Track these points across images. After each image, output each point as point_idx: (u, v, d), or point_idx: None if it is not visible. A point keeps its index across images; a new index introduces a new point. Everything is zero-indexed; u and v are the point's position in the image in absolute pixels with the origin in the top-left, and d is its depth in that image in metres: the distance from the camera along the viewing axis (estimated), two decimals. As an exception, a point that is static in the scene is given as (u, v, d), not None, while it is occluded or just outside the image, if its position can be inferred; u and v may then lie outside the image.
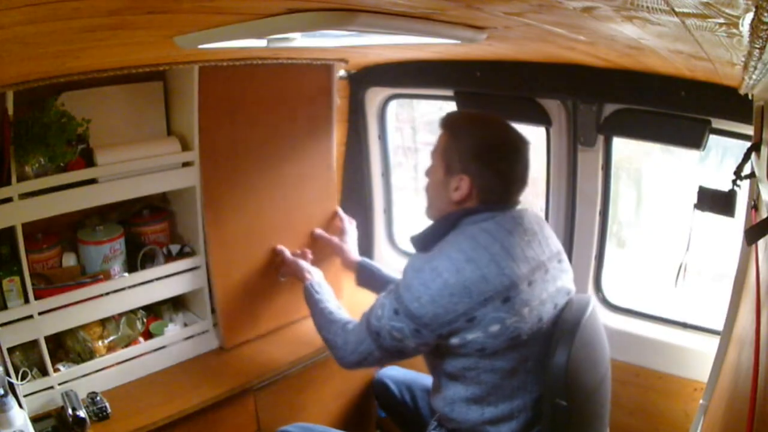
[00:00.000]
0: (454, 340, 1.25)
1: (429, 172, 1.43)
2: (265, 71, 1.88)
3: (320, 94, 2.06)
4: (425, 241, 1.36)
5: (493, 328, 1.23)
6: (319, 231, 2.11)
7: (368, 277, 1.92)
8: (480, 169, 1.32)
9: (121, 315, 1.80)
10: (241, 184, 1.90)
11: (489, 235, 1.28)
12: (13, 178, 1.48)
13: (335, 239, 2.07)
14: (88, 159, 1.65)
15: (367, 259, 1.98)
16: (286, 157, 1.99)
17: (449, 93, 2.25)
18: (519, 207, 1.40)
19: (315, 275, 1.80)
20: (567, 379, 1.25)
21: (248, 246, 1.94)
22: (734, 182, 1.31)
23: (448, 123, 1.40)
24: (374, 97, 2.50)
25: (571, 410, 1.25)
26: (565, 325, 1.31)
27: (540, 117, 2.01)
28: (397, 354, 1.36)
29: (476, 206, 1.34)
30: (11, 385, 1.49)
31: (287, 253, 1.96)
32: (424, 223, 1.44)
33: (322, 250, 2.08)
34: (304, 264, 1.87)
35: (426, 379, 1.74)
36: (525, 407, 1.33)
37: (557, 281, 1.37)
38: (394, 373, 1.93)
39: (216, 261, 1.88)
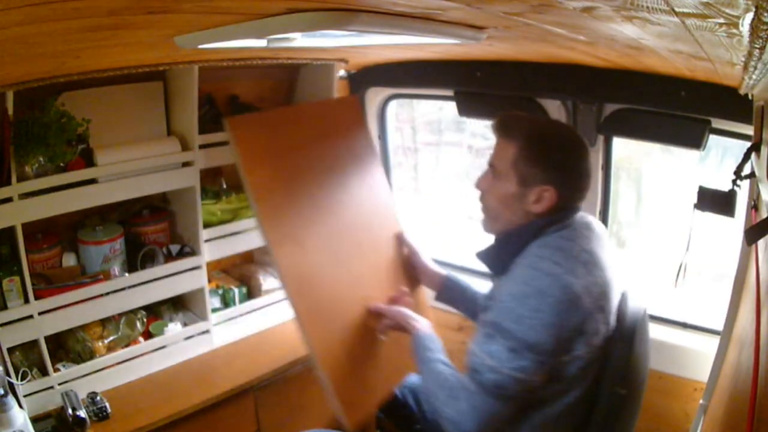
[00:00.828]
0: (565, 358, 1.17)
1: (491, 184, 1.30)
2: (295, 114, 1.74)
3: (353, 123, 1.87)
4: (503, 258, 1.27)
5: (594, 339, 1.19)
6: (405, 239, 1.79)
7: (456, 294, 1.71)
8: (565, 177, 1.24)
9: (121, 315, 1.80)
10: (311, 247, 1.56)
11: (574, 243, 1.22)
12: (13, 178, 1.48)
13: (419, 252, 1.77)
14: (88, 159, 1.65)
15: (453, 274, 1.76)
16: (344, 199, 1.72)
17: (449, 93, 2.25)
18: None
19: (422, 325, 1.48)
20: (628, 369, 1.25)
21: (340, 310, 1.61)
22: (734, 182, 1.30)
23: (514, 130, 1.27)
24: (374, 97, 2.50)
25: (626, 398, 1.26)
26: (628, 319, 1.28)
27: (540, 117, 2.01)
28: (524, 401, 1.20)
29: (557, 215, 1.26)
30: (11, 385, 1.49)
31: (382, 305, 1.61)
32: (480, 236, 1.32)
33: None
34: (407, 312, 1.54)
35: None
36: None
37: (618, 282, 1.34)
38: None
39: (315, 340, 1.51)
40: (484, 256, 1.33)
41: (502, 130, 1.29)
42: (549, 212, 1.26)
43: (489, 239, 1.36)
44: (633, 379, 1.29)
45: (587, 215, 1.35)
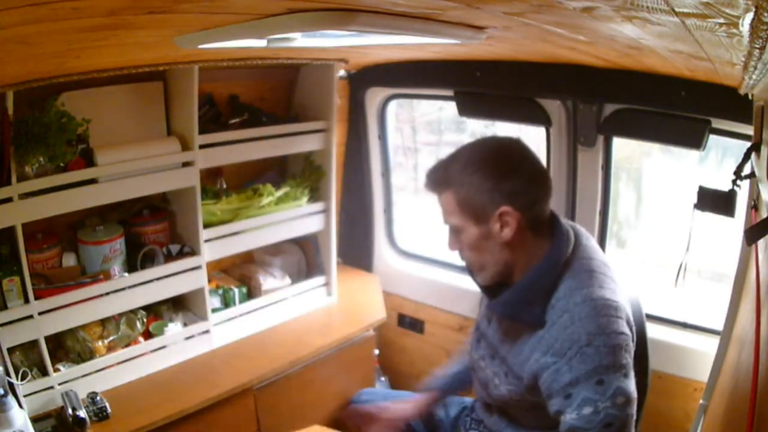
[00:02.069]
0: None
1: (456, 240, 1.25)
2: None
3: None
4: (539, 304, 1.17)
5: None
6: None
7: (450, 387, 1.60)
8: (508, 188, 1.15)
9: (121, 315, 1.80)
10: None
11: (599, 262, 1.21)
12: (13, 178, 1.48)
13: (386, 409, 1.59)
14: (88, 159, 1.65)
15: (432, 383, 1.61)
16: None
17: (449, 93, 2.25)
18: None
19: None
20: (638, 372, 1.22)
21: None
22: (734, 182, 1.30)
23: (437, 182, 1.23)
24: (374, 97, 2.50)
25: (641, 401, 1.25)
26: (638, 325, 1.26)
27: (540, 117, 2.01)
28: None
29: (539, 230, 1.21)
30: (11, 385, 1.49)
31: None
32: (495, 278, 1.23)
33: None
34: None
35: (408, 397, 1.62)
36: None
37: None
38: (371, 397, 1.75)
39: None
40: (523, 311, 1.19)
41: (430, 187, 1.25)
42: (526, 232, 1.18)
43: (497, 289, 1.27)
44: (639, 380, 1.29)
45: (572, 224, 1.30)
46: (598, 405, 1.07)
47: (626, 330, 1.14)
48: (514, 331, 1.24)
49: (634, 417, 1.12)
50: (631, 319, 1.19)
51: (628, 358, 1.12)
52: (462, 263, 1.33)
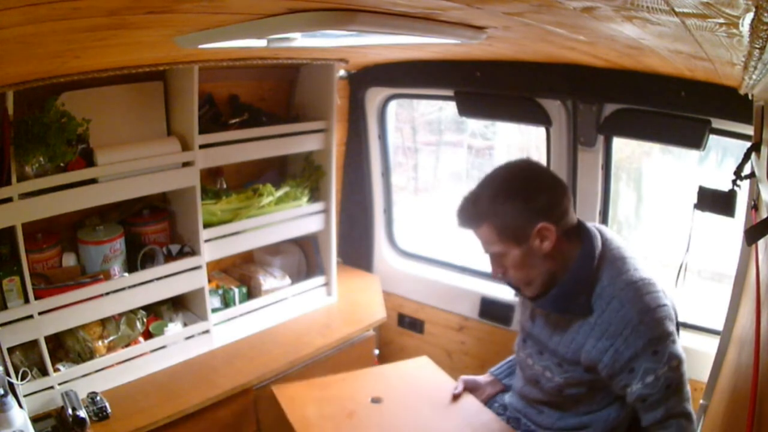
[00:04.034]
0: None
1: (500, 266, 1.36)
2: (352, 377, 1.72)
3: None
4: (585, 294, 1.32)
5: None
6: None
7: (508, 374, 1.73)
8: (538, 205, 1.29)
9: (121, 315, 1.80)
10: None
11: (625, 248, 1.37)
12: (13, 178, 1.48)
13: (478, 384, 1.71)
14: (88, 159, 1.65)
15: (493, 370, 1.75)
16: None
17: (449, 93, 2.25)
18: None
19: None
20: None
21: None
22: (734, 182, 1.30)
23: (471, 219, 1.35)
24: (374, 97, 2.50)
25: None
26: None
27: (540, 117, 2.01)
28: None
29: (575, 235, 1.35)
30: (11, 385, 1.49)
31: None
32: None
33: None
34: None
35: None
36: None
37: None
38: None
39: None
40: (571, 305, 1.33)
41: (465, 224, 1.36)
42: (561, 239, 1.31)
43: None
44: None
45: (592, 223, 1.42)
46: (658, 372, 1.24)
47: (666, 301, 1.30)
48: (563, 323, 1.37)
49: (687, 374, 1.29)
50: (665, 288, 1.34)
51: (672, 326, 1.29)
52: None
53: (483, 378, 1.71)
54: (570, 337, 1.35)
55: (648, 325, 1.25)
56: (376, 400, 1.60)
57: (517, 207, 1.28)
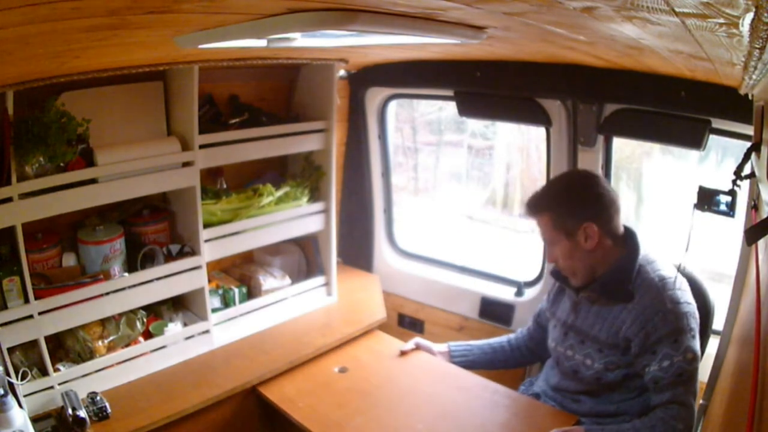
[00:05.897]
0: None
1: (552, 251, 1.62)
2: None
3: None
4: (628, 283, 1.55)
5: None
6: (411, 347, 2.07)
7: (465, 355, 1.97)
8: (589, 209, 1.55)
9: (121, 315, 1.80)
10: None
11: (655, 251, 1.61)
12: (13, 178, 1.48)
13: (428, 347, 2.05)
14: (88, 159, 1.65)
15: (453, 344, 2.01)
16: None
17: (449, 93, 2.25)
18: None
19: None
20: None
21: None
22: (734, 182, 1.30)
23: (536, 207, 1.62)
24: (374, 97, 2.50)
25: None
26: None
27: (540, 117, 2.01)
28: None
29: (617, 240, 1.58)
30: (11, 385, 1.49)
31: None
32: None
33: None
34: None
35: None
36: None
37: None
38: None
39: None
40: (616, 292, 1.56)
41: (530, 212, 1.64)
42: (605, 241, 1.56)
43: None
44: None
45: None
46: (674, 359, 1.43)
47: (692, 300, 1.52)
48: (606, 311, 1.59)
49: (698, 372, 1.47)
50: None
51: (694, 324, 1.49)
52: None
53: (437, 347, 1.99)
54: (610, 322, 1.56)
55: (675, 314, 1.46)
56: (342, 370, 1.93)
57: (571, 207, 1.56)
